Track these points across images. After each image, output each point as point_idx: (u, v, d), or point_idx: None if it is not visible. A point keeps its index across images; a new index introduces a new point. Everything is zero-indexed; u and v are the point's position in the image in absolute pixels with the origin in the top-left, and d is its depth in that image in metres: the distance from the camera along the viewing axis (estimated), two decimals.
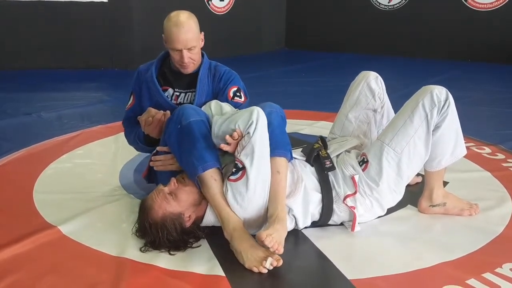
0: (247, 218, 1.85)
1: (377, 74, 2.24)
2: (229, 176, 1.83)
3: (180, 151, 1.90)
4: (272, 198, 1.84)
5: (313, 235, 1.95)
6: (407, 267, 1.74)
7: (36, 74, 5.63)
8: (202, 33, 2.19)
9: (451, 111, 1.91)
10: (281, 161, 1.89)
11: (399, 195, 2.02)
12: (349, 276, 1.68)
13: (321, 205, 1.95)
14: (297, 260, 1.81)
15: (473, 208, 2.13)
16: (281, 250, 1.69)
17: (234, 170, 1.83)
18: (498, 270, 1.71)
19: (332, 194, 1.95)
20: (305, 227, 1.98)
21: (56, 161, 2.81)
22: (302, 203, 1.91)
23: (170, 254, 1.80)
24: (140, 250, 1.82)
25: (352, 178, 1.94)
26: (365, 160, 1.97)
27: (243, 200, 1.81)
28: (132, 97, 2.33)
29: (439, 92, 1.90)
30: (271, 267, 1.68)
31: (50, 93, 4.76)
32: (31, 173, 2.60)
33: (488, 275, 1.68)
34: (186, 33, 2.08)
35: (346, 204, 1.94)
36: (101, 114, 3.93)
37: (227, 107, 2.05)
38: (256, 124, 1.80)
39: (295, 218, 1.92)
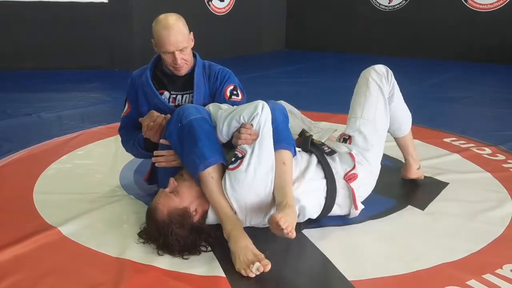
0: (248, 206, 1.83)
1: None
2: (228, 166, 1.84)
3: (181, 149, 1.90)
4: (279, 188, 1.84)
5: (313, 235, 1.95)
6: (407, 268, 1.74)
7: (36, 74, 5.63)
8: (192, 33, 2.19)
9: (394, 79, 2.24)
10: (286, 153, 1.90)
11: (381, 150, 2.20)
12: (350, 277, 1.68)
13: (325, 189, 1.97)
14: (297, 260, 1.80)
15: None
16: (294, 234, 1.67)
17: (233, 159, 1.84)
18: (498, 271, 1.71)
19: (334, 176, 1.99)
20: (306, 228, 1.99)
21: (56, 161, 2.81)
22: (307, 194, 1.92)
23: (183, 258, 1.77)
24: (158, 253, 1.79)
25: (350, 154, 2.05)
26: (346, 138, 2.15)
27: (242, 187, 1.81)
28: (127, 104, 2.31)
29: (378, 67, 2.24)
30: (258, 273, 1.65)
31: (50, 93, 4.76)
32: (32, 174, 2.60)
33: (488, 276, 1.68)
34: (176, 35, 2.07)
35: (346, 180, 1.99)
36: (101, 115, 3.93)
37: (225, 107, 2.04)
38: (260, 116, 1.85)
39: (300, 210, 1.92)
